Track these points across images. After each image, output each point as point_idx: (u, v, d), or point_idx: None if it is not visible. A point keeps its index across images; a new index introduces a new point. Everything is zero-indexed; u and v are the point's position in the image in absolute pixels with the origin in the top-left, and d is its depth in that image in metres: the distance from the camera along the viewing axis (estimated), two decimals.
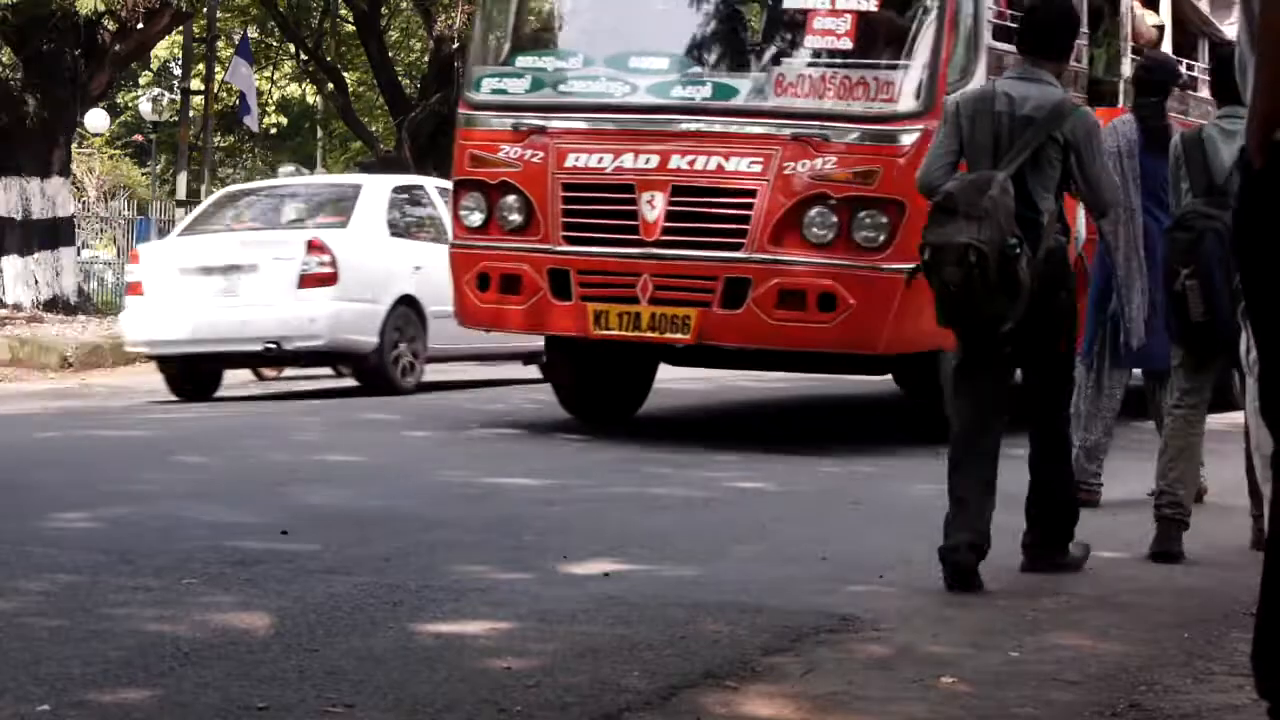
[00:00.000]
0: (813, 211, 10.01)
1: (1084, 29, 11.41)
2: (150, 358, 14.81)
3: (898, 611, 5.63)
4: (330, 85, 30.96)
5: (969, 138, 6.48)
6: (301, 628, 5.07)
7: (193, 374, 14.54)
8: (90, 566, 5.93)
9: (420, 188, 15.97)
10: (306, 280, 13.97)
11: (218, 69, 31.16)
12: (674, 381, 13.52)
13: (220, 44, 32.32)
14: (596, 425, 11.35)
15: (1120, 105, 11.11)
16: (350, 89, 32.62)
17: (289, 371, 16.76)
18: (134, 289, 14.65)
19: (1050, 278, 6.42)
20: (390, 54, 30.67)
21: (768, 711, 4.34)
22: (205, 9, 23.32)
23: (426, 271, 14.15)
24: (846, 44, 10.32)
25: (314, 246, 14.07)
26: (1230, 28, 13.87)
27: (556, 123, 10.65)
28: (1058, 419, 6.69)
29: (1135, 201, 8.29)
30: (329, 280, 13.98)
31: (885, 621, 5.45)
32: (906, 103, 10.13)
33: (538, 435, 11.09)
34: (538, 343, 12.37)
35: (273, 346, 14.07)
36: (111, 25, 21.94)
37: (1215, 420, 8.98)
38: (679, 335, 10.18)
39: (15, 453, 9.61)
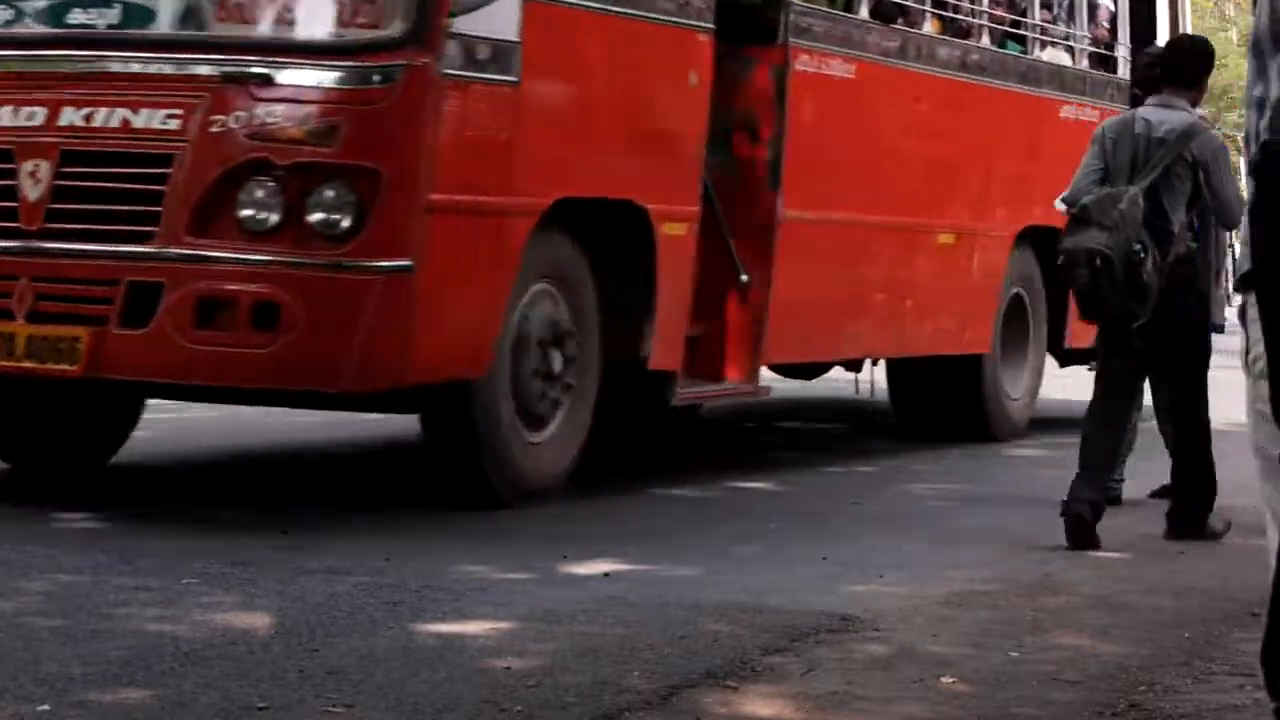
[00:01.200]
0: (249, 185, 7.02)
1: None
2: None
3: (898, 611, 5.63)
4: None
5: (1112, 158, 7.42)
6: (301, 628, 5.07)
7: None
8: (90, 566, 5.93)
9: None
10: None
11: None
12: None
13: None
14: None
15: (783, 40, 9.09)
16: None
17: None
18: None
19: (1181, 279, 7.29)
20: None
21: (768, 711, 4.34)
22: None
23: None
24: None
25: None
26: None
27: None
28: (1196, 408, 7.50)
29: None
30: None
31: (885, 621, 5.45)
32: (387, 28, 7.12)
33: None
34: None
35: None
36: None
37: (1214, 421, 9.00)
38: (64, 366, 7.08)
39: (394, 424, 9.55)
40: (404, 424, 10.58)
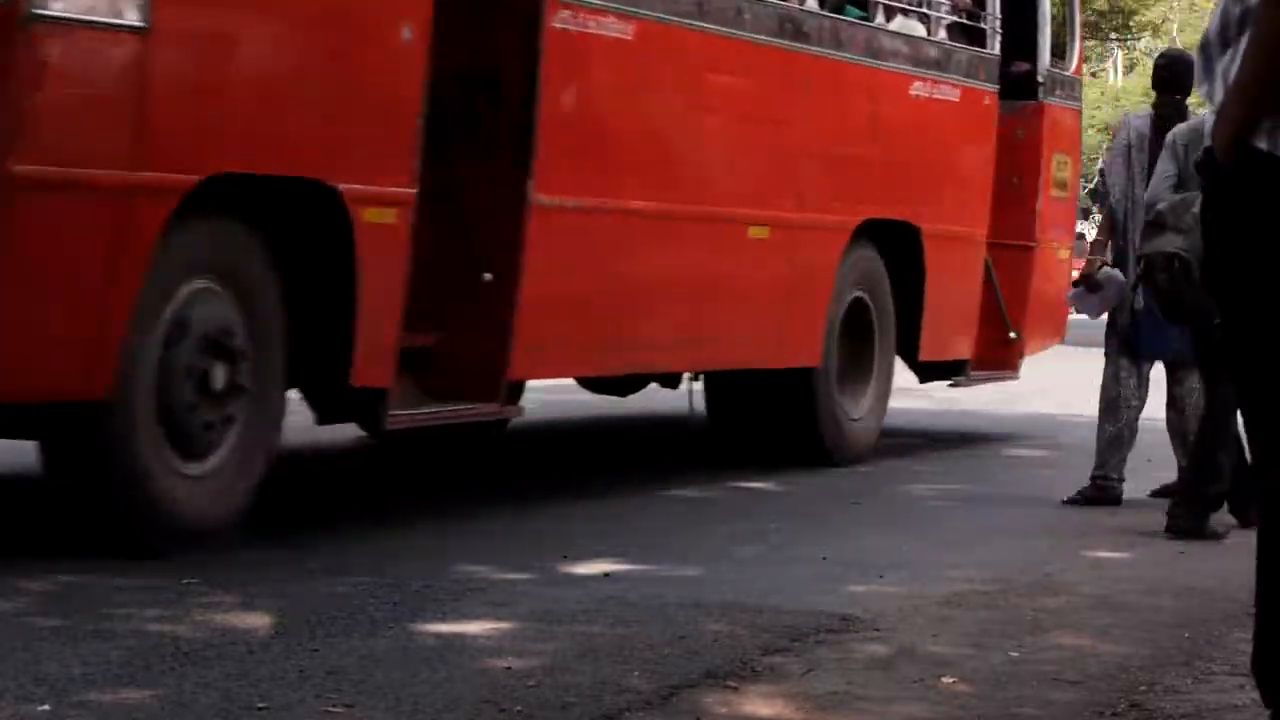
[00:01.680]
0: None
1: None
2: None
3: (898, 611, 5.63)
4: None
5: (1183, 164, 7.76)
6: (301, 628, 5.08)
7: None
8: (90, 567, 5.92)
9: None
10: None
11: None
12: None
13: None
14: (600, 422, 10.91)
15: None
16: None
17: None
18: None
19: None
20: None
21: (768, 711, 4.34)
22: None
23: None
24: None
25: None
26: None
27: None
28: (1229, 412, 7.53)
29: (1140, 193, 8.45)
30: None
31: (885, 621, 5.45)
32: None
33: (540, 434, 11.09)
34: None
35: None
36: None
37: None
38: None
39: (16, 453, 9.60)
40: None
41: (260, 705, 4.20)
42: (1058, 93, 11.66)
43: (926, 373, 11.04)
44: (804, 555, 6.76)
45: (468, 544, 6.79)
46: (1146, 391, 8.68)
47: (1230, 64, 3.67)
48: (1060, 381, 12.69)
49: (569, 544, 6.78)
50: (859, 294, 9.86)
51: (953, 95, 10.44)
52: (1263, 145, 3.61)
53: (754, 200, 9.01)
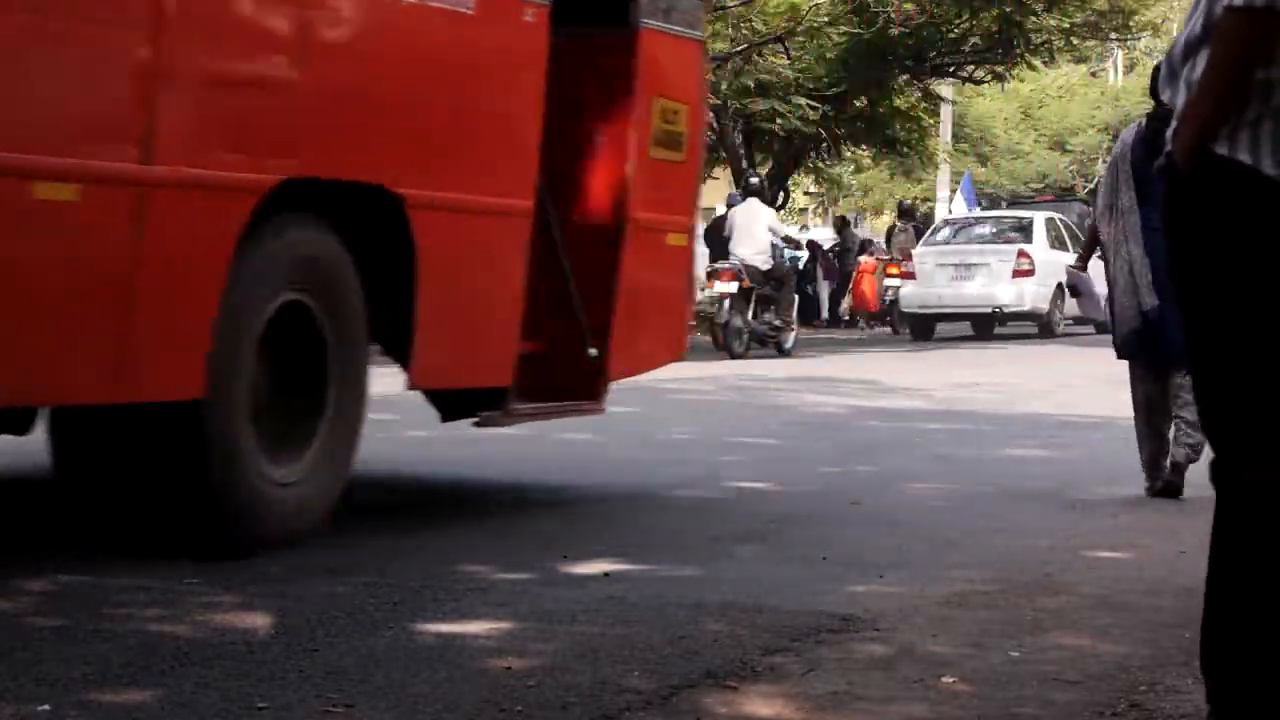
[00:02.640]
0: None
1: None
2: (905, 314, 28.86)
3: (898, 611, 5.63)
4: None
5: None
6: (301, 628, 5.08)
7: (928, 327, 28.84)
8: (90, 567, 5.93)
9: (1054, 219, 29.91)
10: (1017, 273, 28.12)
11: None
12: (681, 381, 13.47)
13: None
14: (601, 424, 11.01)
15: None
16: None
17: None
18: (907, 275, 29.25)
19: None
20: None
21: (768, 711, 4.34)
22: None
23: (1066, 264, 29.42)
24: None
25: (1021, 254, 28.17)
26: None
27: None
28: None
29: (1126, 201, 8.58)
30: (1030, 273, 28.11)
31: (885, 621, 5.45)
32: None
33: (546, 433, 11.10)
34: None
35: (998, 309, 28.38)
36: None
37: None
38: None
39: (17, 451, 9.61)
40: (419, 420, 10.53)
41: (260, 705, 4.21)
42: (665, 17, 8.32)
43: (449, 407, 7.84)
44: (804, 555, 6.76)
45: (468, 544, 6.80)
46: (1160, 390, 8.76)
47: (1192, 72, 3.72)
48: (1060, 382, 12.69)
49: (569, 544, 6.78)
50: (295, 295, 6.53)
51: (463, 4, 7.08)
52: (1223, 150, 3.67)
53: (45, 143, 5.53)
